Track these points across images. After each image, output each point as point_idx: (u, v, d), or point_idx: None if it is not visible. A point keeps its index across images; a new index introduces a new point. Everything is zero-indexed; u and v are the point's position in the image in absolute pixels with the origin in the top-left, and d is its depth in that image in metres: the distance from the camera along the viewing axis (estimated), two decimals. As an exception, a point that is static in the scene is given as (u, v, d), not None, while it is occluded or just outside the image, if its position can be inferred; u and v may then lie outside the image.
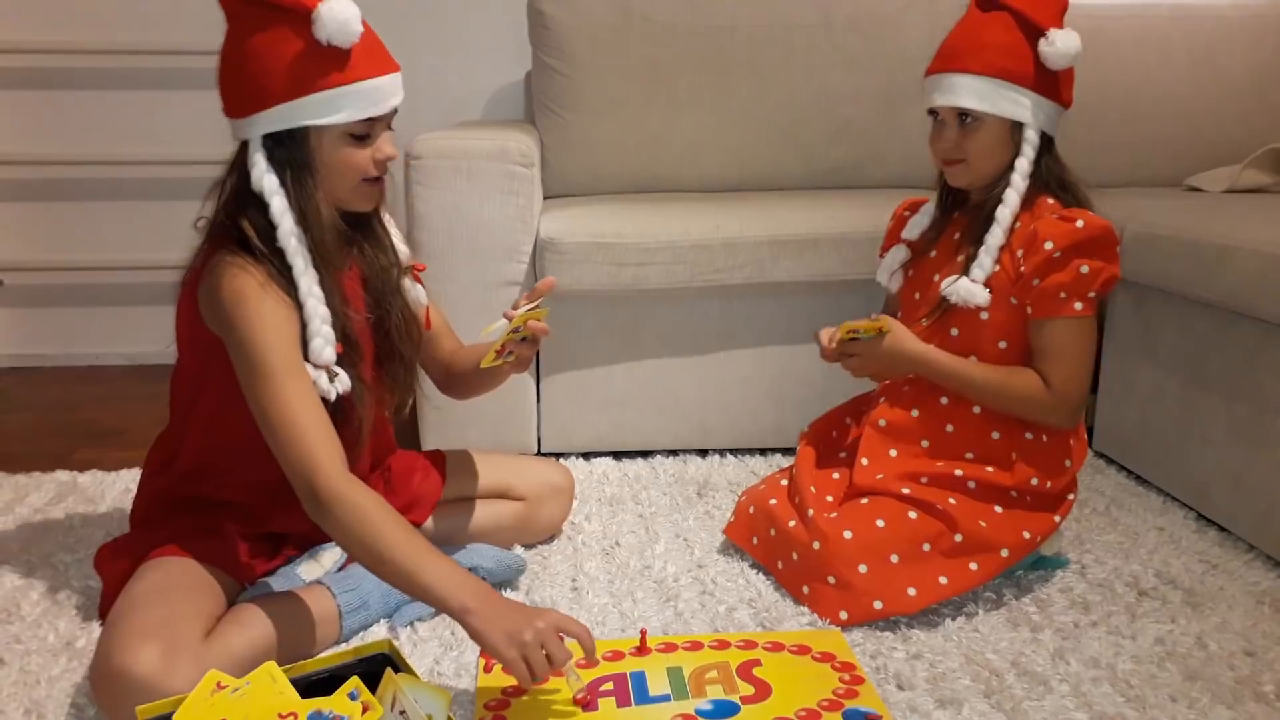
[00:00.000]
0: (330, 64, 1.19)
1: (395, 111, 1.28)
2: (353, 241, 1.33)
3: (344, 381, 1.24)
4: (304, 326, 1.22)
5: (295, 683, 1.03)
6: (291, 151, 1.21)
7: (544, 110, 2.27)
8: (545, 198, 2.12)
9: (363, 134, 1.24)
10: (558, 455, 1.99)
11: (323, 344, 1.21)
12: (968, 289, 1.41)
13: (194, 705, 0.99)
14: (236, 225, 1.22)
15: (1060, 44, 1.37)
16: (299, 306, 1.21)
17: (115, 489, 1.83)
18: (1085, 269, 1.37)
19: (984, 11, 1.42)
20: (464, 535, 1.51)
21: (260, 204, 1.21)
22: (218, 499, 1.33)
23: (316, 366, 1.21)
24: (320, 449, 1.15)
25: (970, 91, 1.40)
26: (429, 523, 1.49)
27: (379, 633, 1.34)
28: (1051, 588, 1.47)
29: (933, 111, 1.45)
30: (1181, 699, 1.20)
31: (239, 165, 1.23)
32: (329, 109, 1.20)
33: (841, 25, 2.30)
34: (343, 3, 1.18)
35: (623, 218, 1.92)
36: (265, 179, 1.20)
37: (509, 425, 1.97)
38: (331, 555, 1.38)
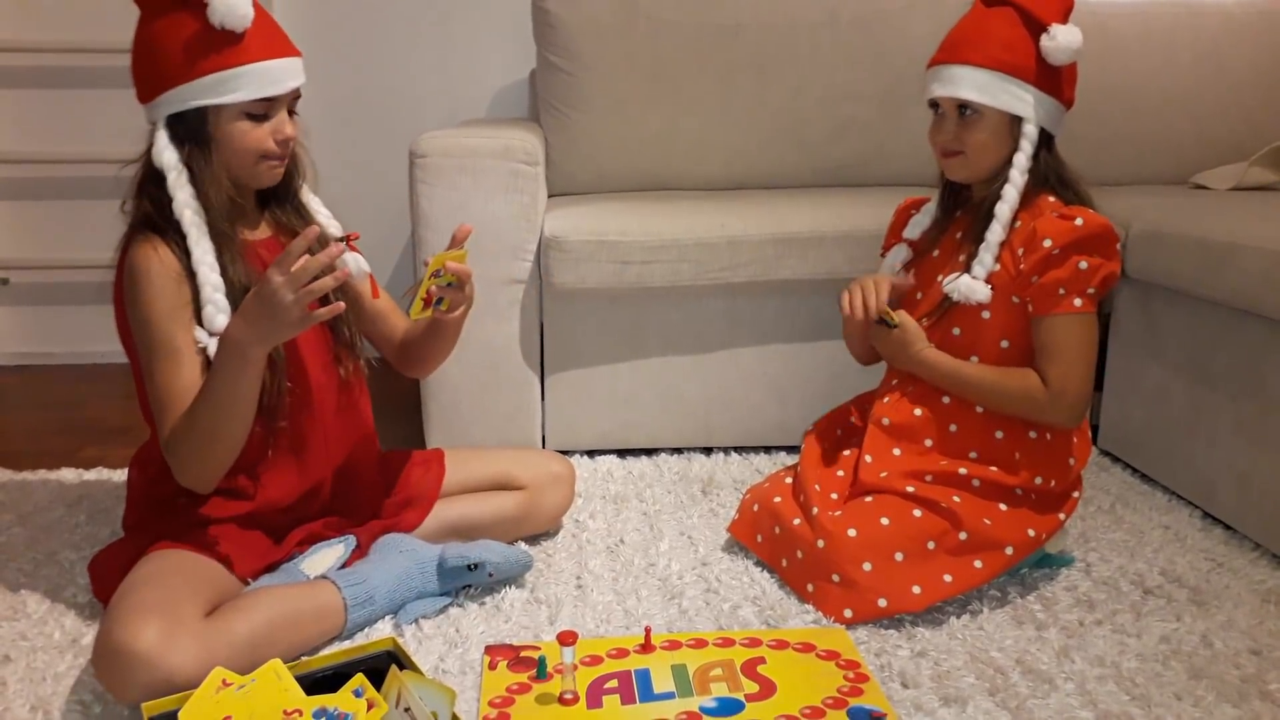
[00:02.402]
0: (224, 46, 1.24)
1: (298, 96, 1.33)
2: (268, 213, 1.39)
3: None
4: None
5: (300, 680, 1.04)
6: (192, 128, 1.27)
7: (548, 108, 2.27)
8: (549, 196, 2.12)
9: (260, 114, 1.29)
10: (562, 454, 1.99)
11: (214, 311, 1.25)
12: (969, 286, 1.41)
13: (199, 702, 0.99)
14: (141, 205, 1.28)
15: (1062, 39, 1.37)
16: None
17: (121, 487, 1.83)
18: (1084, 265, 1.37)
19: (989, 6, 1.42)
20: (468, 527, 1.51)
21: (161, 180, 1.26)
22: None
23: (212, 334, 1.25)
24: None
25: (971, 83, 1.40)
26: (432, 517, 1.49)
27: (383, 630, 1.34)
28: (1056, 586, 1.47)
29: (933, 103, 1.46)
30: (1187, 697, 1.19)
31: (149, 149, 1.28)
32: (224, 89, 1.25)
33: (846, 24, 2.29)
34: None
35: (627, 216, 1.92)
36: (165, 154, 1.26)
37: (513, 423, 1.97)
38: (335, 552, 1.38)
